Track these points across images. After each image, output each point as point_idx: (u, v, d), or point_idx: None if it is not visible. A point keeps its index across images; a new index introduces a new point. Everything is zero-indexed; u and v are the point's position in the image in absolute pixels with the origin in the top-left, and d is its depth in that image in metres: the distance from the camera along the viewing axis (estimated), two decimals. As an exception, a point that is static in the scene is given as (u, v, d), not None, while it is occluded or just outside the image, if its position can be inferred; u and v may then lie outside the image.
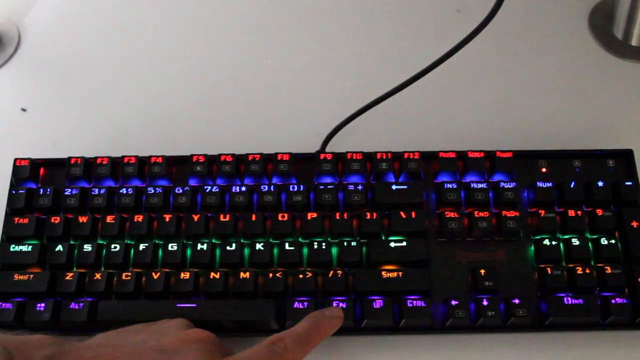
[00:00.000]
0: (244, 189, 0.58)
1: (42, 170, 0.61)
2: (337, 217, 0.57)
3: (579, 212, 0.57)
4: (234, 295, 0.55)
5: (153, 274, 0.56)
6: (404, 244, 0.56)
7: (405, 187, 0.58)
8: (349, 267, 0.56)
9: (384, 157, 0.59)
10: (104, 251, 0.57)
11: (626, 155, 0.60)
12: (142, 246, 0.57)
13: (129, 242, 0.57)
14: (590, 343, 0.56)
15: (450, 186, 0.58)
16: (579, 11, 0.72)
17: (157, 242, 0.57)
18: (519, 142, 0.63)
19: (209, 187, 0.59)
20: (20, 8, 0.74)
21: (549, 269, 0.55)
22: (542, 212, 0.57)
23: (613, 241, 0.56)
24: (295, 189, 0.58)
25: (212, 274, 0.55)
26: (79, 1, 0.75)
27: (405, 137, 0.65)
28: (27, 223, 0.58)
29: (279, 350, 0.48)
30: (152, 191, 0.59)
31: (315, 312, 0.52)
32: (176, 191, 0.58)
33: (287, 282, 0.55)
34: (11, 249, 0.57)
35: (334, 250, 0.57)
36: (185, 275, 0.55)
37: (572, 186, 0.58)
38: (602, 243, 0.56)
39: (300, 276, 0.55)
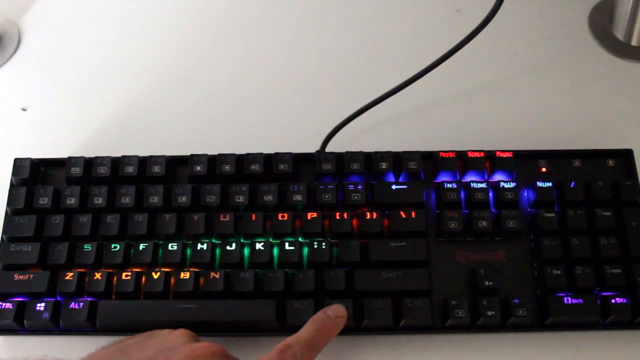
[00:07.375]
0: (244, 189, 0.58)
1: (42, 170, 0.61)
2: (337, 217, 0.57)
3: (579, 212, 0.57)
4: (234, 295, 0.55)
5: (153, 274, 0.56)
6: (404, 243, 0.56)
7: (405, 187, 0.58)
8: (349, 267, 0.56)
9: (384, 157, 0.59)
10: (104, 251, 0.57)
11: (626, 155, 0.60)
12: (142, 246, 0.57)
13: (129, 242, 0.57)
14: (590, 343, 0.56)
15: (450, 186, 0.58)
16: (579, 11, 0.72)
17: (157, 242, 0.57)
18: (519, 142, 0.63)
19: (209, 187, 0.59)
20: (20, 8, 0.74)
21: (549, 269, 0.55)
22: (542, 212, 0.57)
23: (613, 241, 0.56)
24: (295, 189, 0.58)
25: (212, 274, 0.55)
26: (79, 1, 0.75)
27: (405, 137, 0.65)
28: (27, 223, 0.58)
29: (289, 359, 0.47)
30: (152, 191, 0.59)
31: (319, 314, 0.51)
32: (176, 191, 0.58)
33: (287, 282, 0.55)
34: (11, 249, 0.57)
35: (334, 250, 0.56)
36: (185, 275, 0.55)
37: (572, 186, 0.58)
38: (602, 243, 0.56)
39: (300, 276, 0.55)
